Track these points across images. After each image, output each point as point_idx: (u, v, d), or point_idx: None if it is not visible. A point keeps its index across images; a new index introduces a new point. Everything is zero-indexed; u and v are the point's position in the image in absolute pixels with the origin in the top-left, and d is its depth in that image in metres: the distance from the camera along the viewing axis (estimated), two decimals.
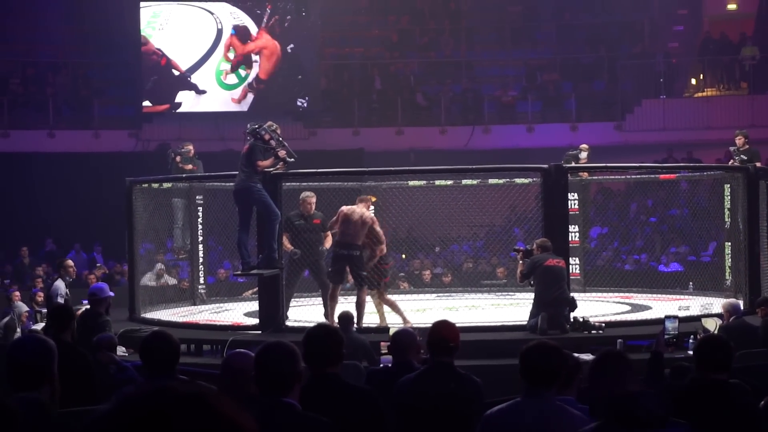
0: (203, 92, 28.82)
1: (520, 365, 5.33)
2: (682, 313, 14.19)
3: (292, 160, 13.98)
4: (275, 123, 14.34)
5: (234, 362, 5.80)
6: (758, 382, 7.91)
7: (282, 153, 13.81)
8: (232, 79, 29.16)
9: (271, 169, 13.98)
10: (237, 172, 14.05)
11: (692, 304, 15.96)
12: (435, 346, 6.75)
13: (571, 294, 14.14)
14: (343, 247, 14.15)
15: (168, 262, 20.39)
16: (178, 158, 18.72)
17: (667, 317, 8.61)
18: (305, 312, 15.76)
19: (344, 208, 14.39)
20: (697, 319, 13.30)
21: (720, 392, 5.98)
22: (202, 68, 28.92)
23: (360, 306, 14.10)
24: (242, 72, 29.23)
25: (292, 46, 29.68)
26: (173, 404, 1.89)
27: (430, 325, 7.05)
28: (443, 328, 6.89)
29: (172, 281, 19.79)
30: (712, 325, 12.70)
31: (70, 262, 15.53)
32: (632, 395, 4.97)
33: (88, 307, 12.11)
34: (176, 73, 28.81)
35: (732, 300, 13.22)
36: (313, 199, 15.18)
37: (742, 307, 13.19)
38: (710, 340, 6.53)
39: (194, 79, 28.83)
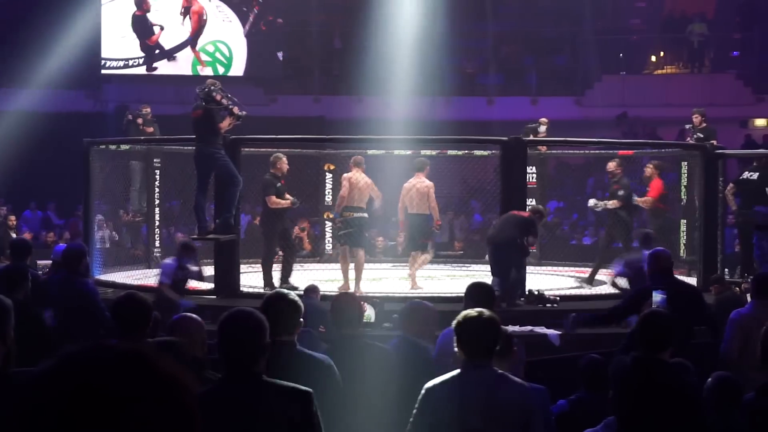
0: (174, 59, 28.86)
1: (458, 337, 5.36)
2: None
3: (245, 113, 13.91)
4: (218, 82, 14.21)
5: (180, 326, 5.78)
6: None
7: (236, 109, 13.73)
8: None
9: (229, 127, 13.93)
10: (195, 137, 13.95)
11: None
12: (339, 318, 6.70)
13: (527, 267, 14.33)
14: (357, 210, 15.02)
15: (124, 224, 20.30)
16: (140, 120, 18.59)
17: (656, 290, 8.61)
18: (260, 278, 15.73)
19: (347, 175, 15.24)
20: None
21: (661, 372, 5.95)
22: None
23: (359, 268, 14.92)
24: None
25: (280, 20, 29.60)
26: (112, 361, 1.86)
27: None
28: (347, 299, 6.88)
29: (108, 233, 19.65)
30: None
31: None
32: None
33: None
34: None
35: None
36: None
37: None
38: (653, 318, 6.41)
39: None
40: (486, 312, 5.44)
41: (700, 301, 10.03)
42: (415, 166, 15.96)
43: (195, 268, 13.33)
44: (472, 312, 5.43)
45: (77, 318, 9.41)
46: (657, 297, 8.36)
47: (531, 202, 17.75)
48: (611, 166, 16.20)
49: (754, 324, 8.53)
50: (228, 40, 29.03)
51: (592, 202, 16.81)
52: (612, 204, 15.87)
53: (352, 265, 15.04)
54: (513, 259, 13.85)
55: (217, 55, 28.95)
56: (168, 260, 13.28)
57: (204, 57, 28.74)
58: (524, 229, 13.88)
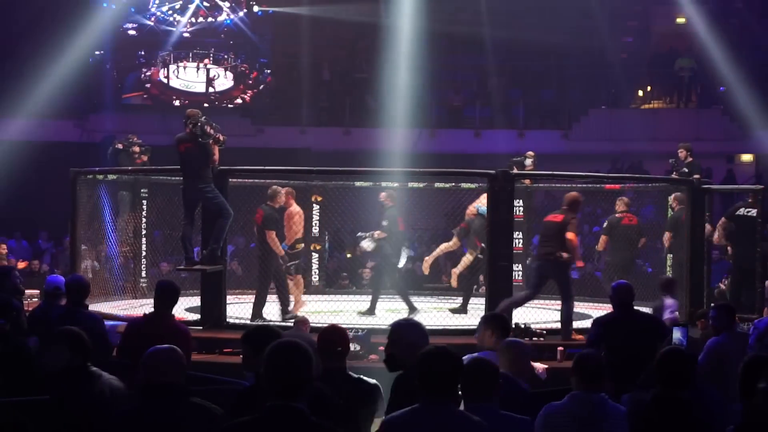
0: None
1: (417, 372, 5.32)
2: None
3: (226, 137, 13.91)
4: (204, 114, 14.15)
5: (156, 358, 5.75)
6: None
7: (221, 136, 13.69)
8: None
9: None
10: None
11: None
12: (324, 351, 6.70)
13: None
14: (300, 242, 15.85)
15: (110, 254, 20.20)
16: (136, 148, 18.52)
17: (676, 326, 8.66)
18: (246, 309, 15.69)
19: (296, 209, 15.61)
20: None
21: (683, 410, 5.91)
22: None
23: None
24: None
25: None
26: None
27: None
28: (332, 333, 6.87)
29: (90, 264, 19.54)
30: None
31: None
32: None
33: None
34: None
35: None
36: None
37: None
38: (672, 355, 6.36)
39: None
40: (445, 347, 5.40)
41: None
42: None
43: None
44: (431, 347, 5.41)
45: None
46: (677, 333, 8.37)
47: (518, 236, 17.79)
48: (382, 196, 16.11)
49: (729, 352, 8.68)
50: None
51: (365, 243, 16.46)
52: (378, 234, 15.83)
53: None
54: (557, 277, 13.95)
55: None
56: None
57: None
58: (559, 237, 13.85)
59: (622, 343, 9.48)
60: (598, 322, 10.52)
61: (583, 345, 12.70)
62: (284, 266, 15.39)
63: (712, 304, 13.00)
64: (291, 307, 15.28)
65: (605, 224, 16.74)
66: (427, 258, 17.67)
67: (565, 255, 13.67)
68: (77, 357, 6.37)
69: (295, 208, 15.65)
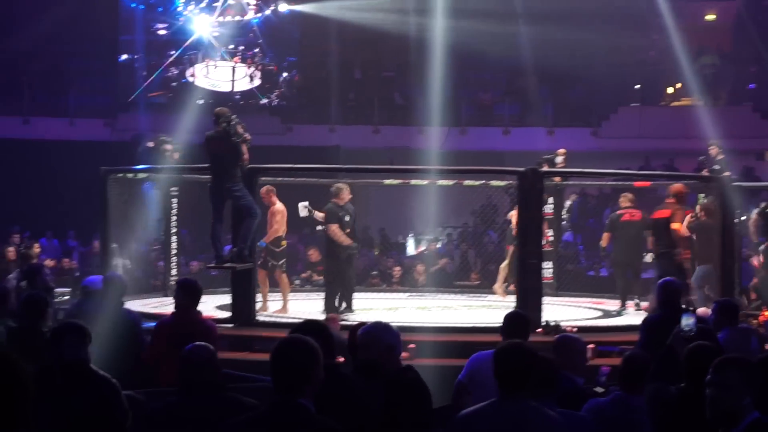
0: None
1: (494, 366, 5.35)
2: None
3: (251, 136, 13.94)
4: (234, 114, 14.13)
5: (193, 355, 5.78)
6: None
7: (248, 136, 13.71)
8: None
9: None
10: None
11: None
12: (354, 348, 6.70)
13: (544, 298, 14.23)
14: (283, 239, 15.89)
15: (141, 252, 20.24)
16: (168, 146, 18.50)
17: (684, 312, 8.59)
18: (276, 307, 15.74)
19: (280, 207, 15.60)
20: None
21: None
22: None
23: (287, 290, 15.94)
24: None
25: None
26: None
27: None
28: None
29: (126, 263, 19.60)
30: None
31: None
32: None
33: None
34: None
35: (702, 309, 13.21)
36: None
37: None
38: (701, 350, 6.29)
39: None
40: (521, 343, 5.45)
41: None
42: None
43: None
44: (507, 343, 5.44)
45: (119, 342, 9.33)
46: (690, 320, 8.30)
47: (548, 233, 17.72)
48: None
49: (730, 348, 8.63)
50: None
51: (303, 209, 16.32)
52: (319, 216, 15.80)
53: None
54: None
55: None
56: None
57: None
58: (670, 231, 14.37)
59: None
60: (645, 323, 10.40)
61: (614, 342, 12.74)
62: (270, 264, 15.55)
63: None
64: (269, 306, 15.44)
65: (607, 221, 16.72)
66: (496, 287, 17.62)
67: (681, 255, 14.31)
68: (82, 350, 6.39)
69: (278, 206, 15.60)
